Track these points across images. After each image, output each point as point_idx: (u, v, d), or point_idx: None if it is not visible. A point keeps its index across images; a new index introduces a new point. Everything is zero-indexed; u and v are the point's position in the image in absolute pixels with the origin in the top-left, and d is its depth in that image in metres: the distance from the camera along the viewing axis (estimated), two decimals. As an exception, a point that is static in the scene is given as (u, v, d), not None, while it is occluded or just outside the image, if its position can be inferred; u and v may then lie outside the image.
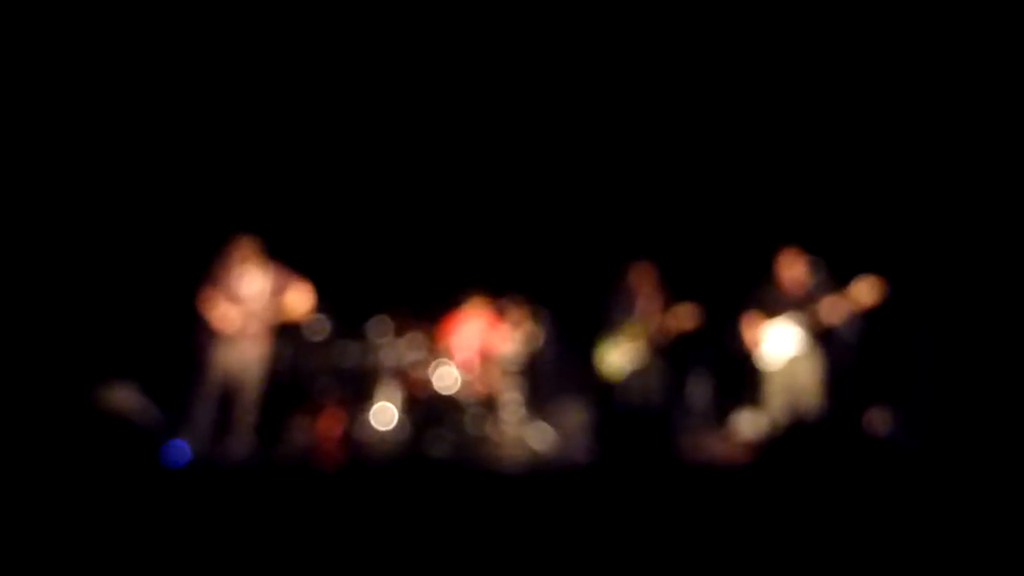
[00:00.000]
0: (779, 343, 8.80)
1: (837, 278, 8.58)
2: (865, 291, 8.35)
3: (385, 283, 10.19)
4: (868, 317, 8.52)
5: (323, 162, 10.54)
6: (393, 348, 9.49)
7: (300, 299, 8.56)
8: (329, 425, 8.99)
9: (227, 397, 8.44)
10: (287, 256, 9.20)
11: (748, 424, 9.71)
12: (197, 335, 8.41)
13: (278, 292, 8.61)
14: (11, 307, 9.30)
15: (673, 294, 9.59)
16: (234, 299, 8.46)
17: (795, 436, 6.48)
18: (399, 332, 9.58)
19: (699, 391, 10.26)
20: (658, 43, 10.05)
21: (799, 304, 8.72)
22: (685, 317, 9.29)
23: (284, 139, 10.36)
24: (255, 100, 10.20)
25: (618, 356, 9.54)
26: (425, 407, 8.91)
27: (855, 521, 5.28)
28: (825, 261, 8.72)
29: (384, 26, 9.99)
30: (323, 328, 9.15)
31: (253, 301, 8.51)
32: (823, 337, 8.69)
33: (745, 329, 9.05)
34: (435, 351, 9.51)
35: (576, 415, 9.55)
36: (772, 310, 8.90)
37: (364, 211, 10.61)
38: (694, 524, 5.35)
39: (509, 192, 10.73)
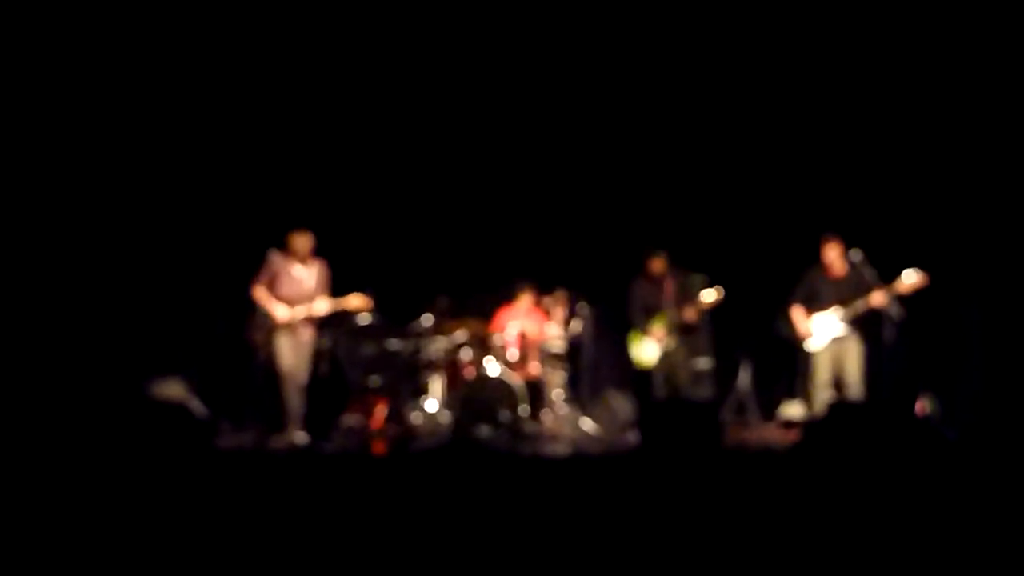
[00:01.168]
0: (825, 330, 8.84)
1: (883, 267, 8.59)
2: (909, 280, 8.37)
3: (434, 276, 10.35)
4: (915, 304, 8.52)
5: (374, 159, 10.72)
6: (442, 339, 9.61)
7: (360, 302, 8.70)
8: (379, 414, 9.12)
9: (279, 388, 8.59)
10: (339, 250, 9.40)
11: (794, 411, 9.75)
12: (249, 328, 8.57)
13: (324, 285, 8.78)
14: (65, 303, 9.54)
15: (702, 277, 9.65)
16: (285, 292, 8.61)
17: (839, 420, 6.47)
18: (447, 324, 9.70)
19: (745, 379, 10.34)
20: (683, 35, 10.19)
21: (844, 291, 8.74)
22: (708, 297, 9.32)
23: (336, 136, 10.54)
24: (305, 98, 10.42)
25: (648, 345, 9.63)
26: (473, 395, 8.97)
27: (895, 505, 5.33)
28: (869, 249, 8.72)
29: (420, 18, 10.15)
30: (374, 320, 9.29)
31: (303, 295, 8.66)
32: (867, 322, 8.69)
33: (792, 317, 9.08)
34: (483, 341, 9.60)
35: (621, 403, 9.65)
36: (818, 298, 8.94)
37: (412, 206, 10.79)
38: (737, 508, 5.42)
39: (551, 186, 10.86)
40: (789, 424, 9.62)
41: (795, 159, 10.39)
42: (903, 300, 8.44)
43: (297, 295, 8.65)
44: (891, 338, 8.42)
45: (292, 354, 8.59)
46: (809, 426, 7.10)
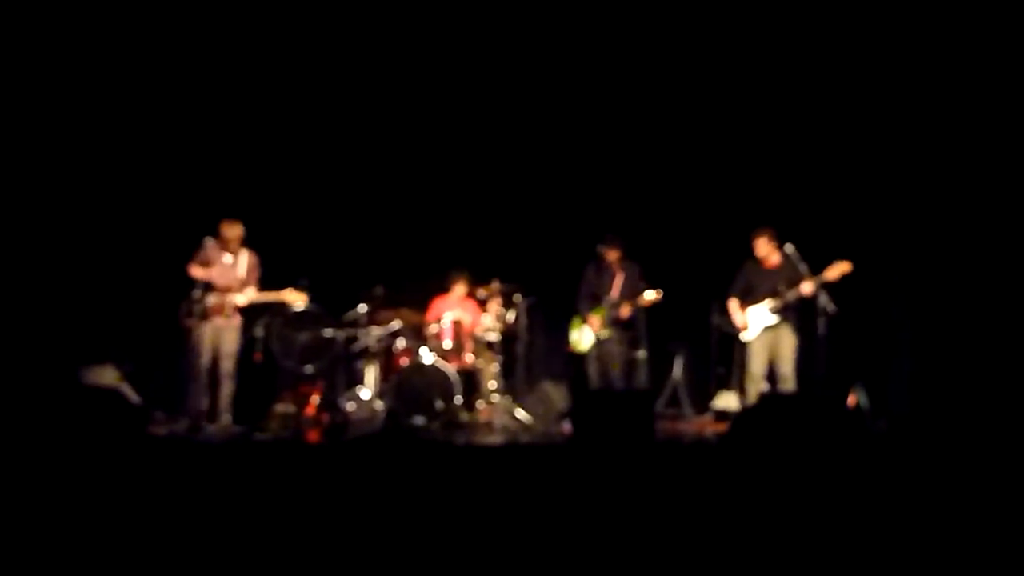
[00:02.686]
0: (758, 321, 9.01)
1: (816, 260, 8.76)
2: (834, 269, 8.55)
3: (369, 265, 10.37)
4: (847, 296, 8.69)
5: (310, 148, 10.73)
6: (376, 328, 9.66)
7: (294, 297, 8.75)
8: (313, 402, 9.14)
9: (211, 376, 8.65)
10: (276, 239, 9.40)
11: (728, 402, 9.90)
12: (182, 313, 8.56)
13: (253, 276, 8.84)
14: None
15: (645, 271, 9.76)
16: (215, 280, 8.63)
17: (769, 411, 6.57)
18: (382, 313, 9.75)
19: (679, 370, 10.51)
20: (632, 31, 10.26)
21: (778, 282, 8.90)
22: (648, 297, 9.34)
23: (273, 124, 10.53)
24: (242, 86, 10.39)
25: (585, 332, 9.67)
26: (408, 384, 9.01)
27: (823, 496, 5.46)
28: (802, 243, 8.90)
29: (364, 13, 10.18)
30: (309, 308, 9.29)
31: (232, 284, 8.70)
32: (801, 314, 8.87)
33: (728, 309, 9.27)
34: (418, 330, 9.66)
35: (555, 393, 9.80)
36: (753, 290, 9.13)
37: (348, 195, 10.81)
38: (667, 499, 5.53)
39: (487, 176, 10.93)
40: (722, 415, 9.78)
41: (730, 154, 10.53)
42: (835, 292, 8.60)
43: (226, 284, 8.70)
44: (823, 330, 8.60)
45: (219, 341, 8.67)
46: (740, 417, 7.19)
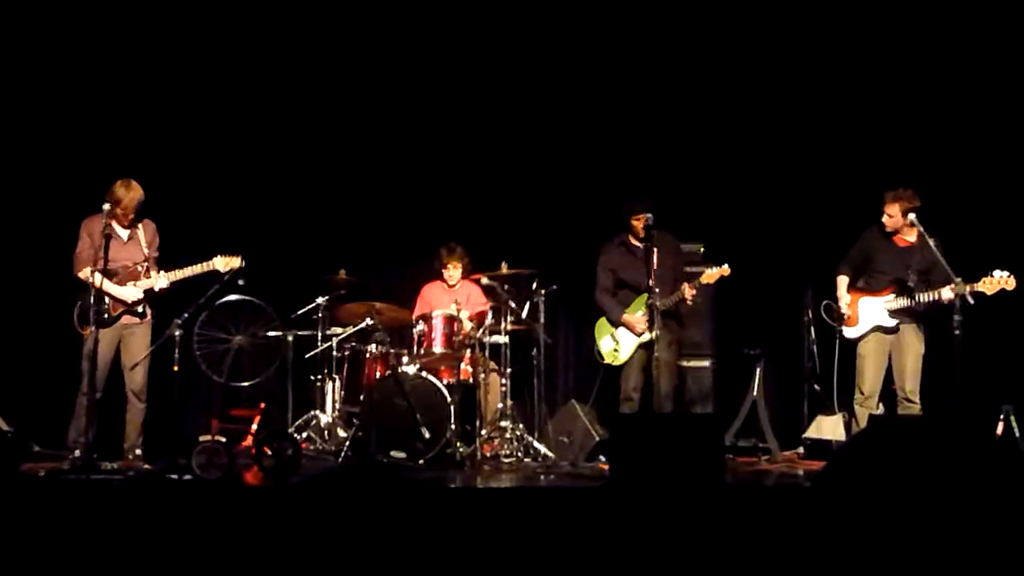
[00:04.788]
0: (871, 316, 8.97)
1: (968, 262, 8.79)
2: (996, 285, 8.52)
3: (330, 244, 10.49)
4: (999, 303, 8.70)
5: (239, 93, 10.87)
6: (340, 328, 9.72)
7: (226, 264, 8.69)
8: (251, 429, 9.14)
9: (112, 396, 8.66)
10: (199, 211, 9.42)
11: (826, 429, 9.86)
12: (77, 319, 8.57)
13: (154, 253, 8.83)
14: None
15: (699, 247, 9.80)
16: (115, 266, 8.60)
17: (882, 440, 6.51)
18: (348, 307, 9.79)
19: (758, 386, 10.45)
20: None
21: (909, 268, 8.87)
22: (709, 275, 9.13)
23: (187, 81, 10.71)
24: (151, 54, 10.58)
25: (622, 337, 9.53)
26: (383, 404, 9.05)
27: (960, 560, 5.42)
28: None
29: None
30: (245, 301, 9.28)
31: (131, 267, 8.69)
32: (931, 314, 8.83)
33: (834, 301, 9.26)
34: (398, 331, 9.65)
35: (587, 419, 9.76)
36: (871, 271, 9.14)
37: (299, 151, 10.95)
38: (742, 563, 5.50)
39: (493, 129, 11.11)
40: (818, 448, 9.72)
41: (837, 90, 10.64)
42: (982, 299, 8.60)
43: (128, 268, 8.66)
44: (958, 332, 8.53)
45: (124, 348, 8.68)
46: (842, 450, 7.16)
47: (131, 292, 8.64)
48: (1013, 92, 10.22)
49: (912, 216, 8.83)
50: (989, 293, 8.51)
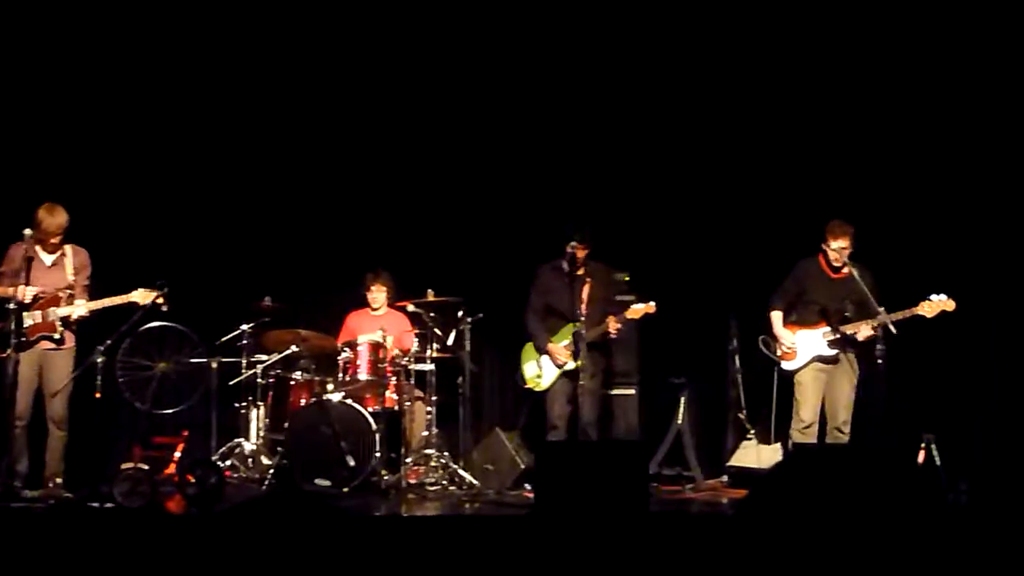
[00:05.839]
0: (809, 348, 9.07)
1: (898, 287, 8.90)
2: (936, 308, 8.59)
3: (254, 270, 10.43)
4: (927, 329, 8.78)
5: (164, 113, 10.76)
6: (264, 355, 9.73)
7: (145, 298, 8.63)
8: (174, 457, 9.09)
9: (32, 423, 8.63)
10: (123, 237, 9.36)
11: (751, 457, 9.92)
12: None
13: (83, 280, 8.78)
14: None
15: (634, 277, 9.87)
16: (36, 291, 8.55)
17: (804, 468, 6.54)
18: (272, 334, 9.80)
19: (683, 414, 10.50)
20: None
21: (844, 300, 8.93)
22: (635, 310, 9.15)
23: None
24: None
25: (546, 365, 9.45)
26: (307, 431, 9.06)
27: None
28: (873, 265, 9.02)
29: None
30: (169, 327, 9.23)
31: (61, 291, 8.63)
32: (860, 346, 8.94)
33: (770, 325, 9.30)
34: (323, 358, 9.69)
35: (512, 447, 9.82)
36: (806, 304, 9.19)
37: (224, 175, 10.84)
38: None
39: (422, 153, 11.07)
40: (742, 476, 9.80)
41: (769, 122, 10.76)
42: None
43: (49, 294, 8.60)
44: (882, 362, 8.60)
45: (44, 374, 8.62)
46: (765, 479, 7.15)
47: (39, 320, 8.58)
48: (933, 119, 10.33)
49: (847, 252, 8.93)
50: (929, 316, 8.58)
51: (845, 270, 8.98)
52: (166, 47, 10.53)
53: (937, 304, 8.57)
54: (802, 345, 9.13)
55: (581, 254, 9.15)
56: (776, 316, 9.26)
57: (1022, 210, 10.00)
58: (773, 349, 9.33)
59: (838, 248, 8.96)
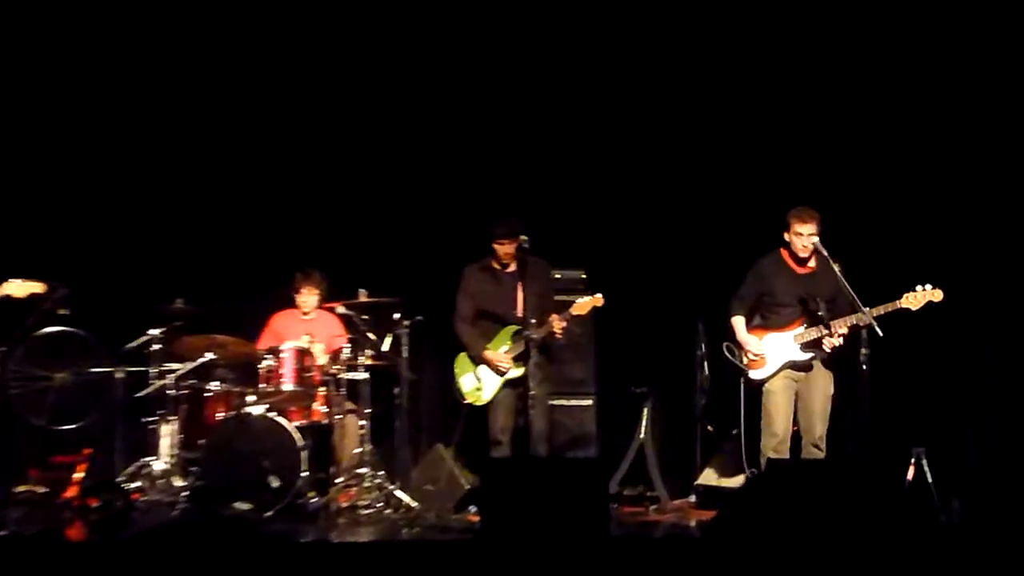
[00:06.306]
0: (779, 353, 9.17)
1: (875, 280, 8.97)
2: (921, 299, 8.65)
3: (166, 268, 10.43)
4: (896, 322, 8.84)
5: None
6: (177, 363, 9.69)
7: (32, 289, 8.63)
8: (75, 478, 9.08)
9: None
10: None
11: (720, 476, 9.98)
12: None
13: None
14: None
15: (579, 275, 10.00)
16: None
17: (779, 486, 6.61)
18: (186, 340, 9.75)
19: (646, 427, 10.56)
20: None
21: (814, 296, 8.99)
22: (581, 306, 9.25)
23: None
24: None
25: (486, 375, 9.57)
26: (225, 448, 9.07)
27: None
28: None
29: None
30: (66, 331, 9.22)
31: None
32: (841, 348, 9.03)
33: (733, 330, 9.36)
34: (242, 366, 9.73)
35: (455, 464, 9.82)
36: (772, 305, 9.26)
37: (129, 162, 10.86)
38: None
39: (356, 141, 11.13)
40: (711, 496, 9.90)
41: (733, 105, 10.89)
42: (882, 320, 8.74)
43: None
44: (866, 368, 8.68)
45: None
46: (735, 498, 7.23)
47: None
48: (901, 111, 10.55)
49: (816, 239, 8.99)
50: (915, 309, 8.66)
51: (812, 263, 9.09)
52: (58, 41, 10.62)
53: (922, 295, 8.68)
54: (771, 351, 9.18)
55: (509, 249, 9.27)
56: (738, 322, 9.33)
57: (1019, 192, 10.15)
58: (739, 357, 9.36)
59: (807, 234, 8.98)
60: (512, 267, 9.33)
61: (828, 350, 8.91)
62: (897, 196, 10.45)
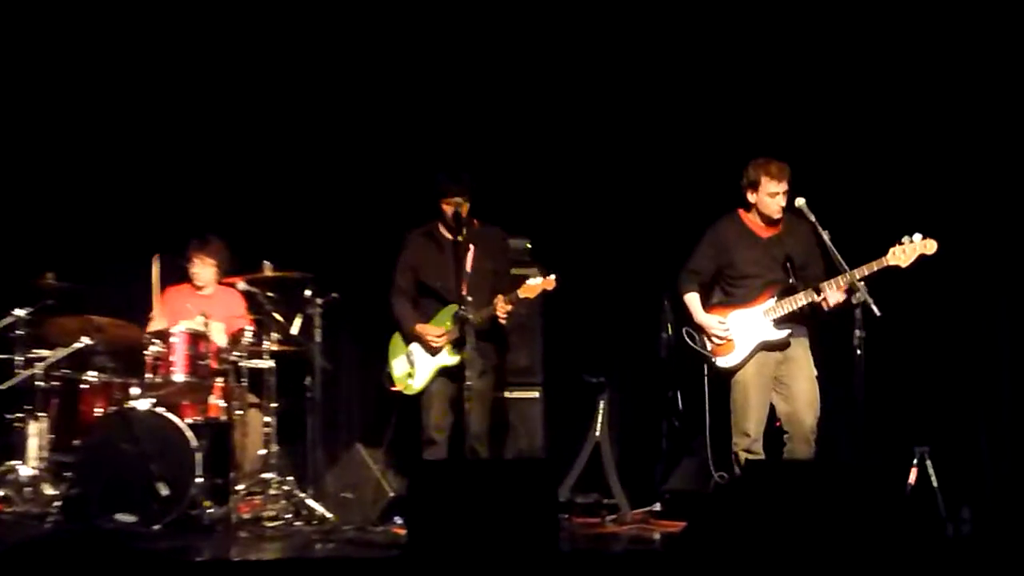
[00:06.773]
0: (750, 333, 8.94)
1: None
2: (912, 253, 8.52)
3: (32, 239, 10.36)
4: (895, 292, 8.74)
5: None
6: (48, 350, 9.57)
7: None
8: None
9: None
10: None
11: (688, 480, 9.93)
12: None
13: None
14: None
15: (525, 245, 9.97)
16: None
17: (757, 491, 6.57)
18: (58, 322, 9.63)
19: (602, 423, 10.48)
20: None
21: (783, 262, 8.84)
22: (531, 286, 9.06)
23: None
24: None
25: (420, 359, 9.40)
26: (105, 450, 8.92)
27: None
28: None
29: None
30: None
31: None
32: (818, 321, 8.87)
33: (687, 310, 9.16)
34: (124, 353, 9.55)
35: (377, 468, 9.80)
36: (734, 277, 9.06)
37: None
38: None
39: (255, 101, 11.08)
40: (676, 503, 9.80)
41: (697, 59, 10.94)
42: (878, 289, 8.62)
43: None
44: (860, 352, 8.56)
45: None
46: (706, 505, 7.22)
47: None
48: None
49: (782, 190, 8.80)
50: (905, 265, 8.45)
51: (777, 224, 8.90)
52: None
53: (911, 248, 8.42)
54: (739, 331, 8.92)
55: (460, 209, 9.03)
56: (692, 299, 9.08)
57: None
58: (701, 342, 9.11)
59: (782, 192, 8.78)
60: (462, 234, 8.97)
61: (829, 307, 8.64)
62: (884, 146, 10.52)
